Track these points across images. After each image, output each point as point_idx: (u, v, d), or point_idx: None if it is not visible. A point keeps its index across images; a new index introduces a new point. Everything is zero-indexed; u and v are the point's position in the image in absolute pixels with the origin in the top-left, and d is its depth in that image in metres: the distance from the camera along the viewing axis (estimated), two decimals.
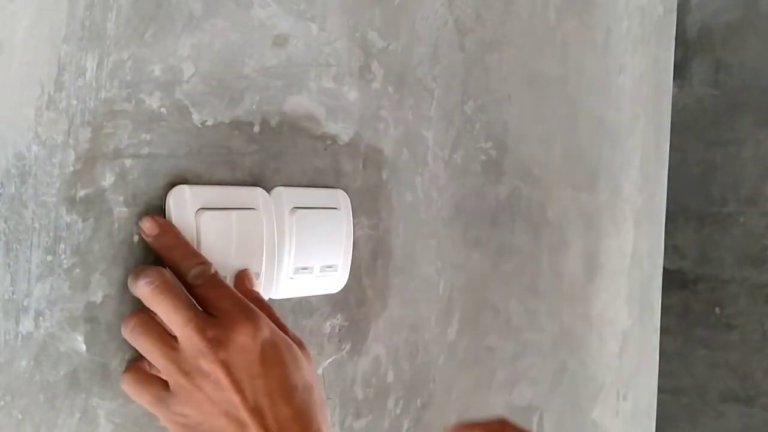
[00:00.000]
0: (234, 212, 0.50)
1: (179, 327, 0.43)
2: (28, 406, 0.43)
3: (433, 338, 0.74)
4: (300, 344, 0.49)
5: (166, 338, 0.44)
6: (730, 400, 1.59)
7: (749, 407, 1.57)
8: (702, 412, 1.63)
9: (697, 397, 1.62)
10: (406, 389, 0.71)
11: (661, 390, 1.35)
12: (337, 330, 0.63)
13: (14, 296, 0.42)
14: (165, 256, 0.46)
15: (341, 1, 0.60)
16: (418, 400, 0.73)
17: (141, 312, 0.45)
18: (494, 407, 0.85)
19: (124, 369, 0.47)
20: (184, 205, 0.48)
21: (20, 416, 0.43)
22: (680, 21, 1.44)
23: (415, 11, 0.68)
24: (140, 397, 0.45)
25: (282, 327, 0.49)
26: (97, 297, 0.46)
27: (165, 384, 0.44)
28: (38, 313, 0.43)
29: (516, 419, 0.89)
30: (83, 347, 0.45)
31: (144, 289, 0.44)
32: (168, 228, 0.47)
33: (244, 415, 0.42)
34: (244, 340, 0.43)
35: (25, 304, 0.42)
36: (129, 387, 0.46)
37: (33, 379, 0.43)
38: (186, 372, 0.42)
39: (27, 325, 0.43)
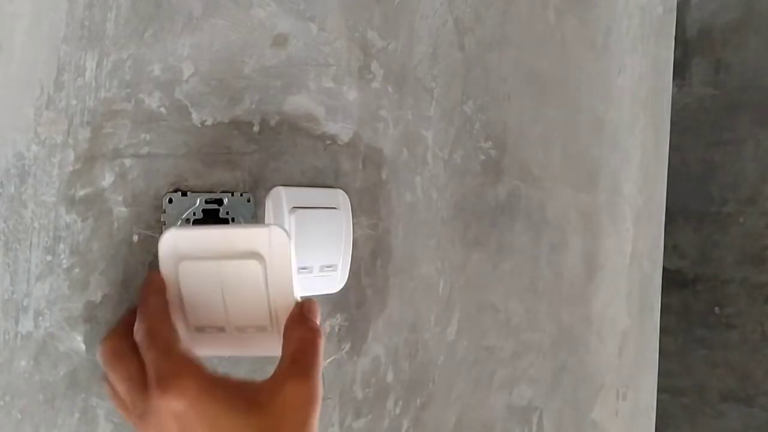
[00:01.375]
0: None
1: (122, 394, 0.43)
2: (28, 406, 0.43)
3: (433, 338, 0.74)
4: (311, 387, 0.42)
5: (124, 405, 0.43)
6: (730, 400, 1.59)
7: (749, 407, 1.57)
8: (702, 411, 1.63)
9: (696, 397, 1.62)
10: (405, 389, 0.71)
11: (660, 390, 1.35)
12: (336, 330, 0.63)
13: (14, 296, 0.42)
14: None
15: (341, 1, 0.60)
16: (418, 400, 0.73)
17: (108, 382, 0.44)
18: (494, 407, 0.85)
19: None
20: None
21: (20, 416, 0.43)
22: (680, 21, 1.44)
23: (414, 11, 0.68)
24: None
25: (304, 362, 0.43)
26: (97, 297, 0.46)
27: None
28: (38, 313, 0.43)
29: (516, 419, 0.89)
30: (83, 347, 0.45)
31: (100, 359, 0.44)
32: (145, 282, 0.45)
33: None
34: (159, 416, 0.39)
35: (24, 303, 0.42)
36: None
37: (32, 379, 0.43)
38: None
39: (26, 324, 0.43)
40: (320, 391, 0.42)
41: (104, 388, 0.46)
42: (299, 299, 0.46)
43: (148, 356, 0.41)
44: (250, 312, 0.45)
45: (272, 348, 0.45)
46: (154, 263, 0.47)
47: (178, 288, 0.44)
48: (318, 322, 0.45)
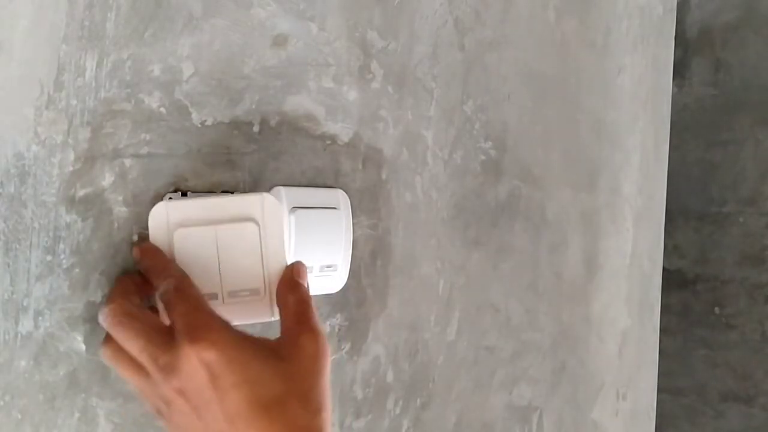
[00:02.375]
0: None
1: (136, 356, 0.42)
2: (28, 406, 0.43)
3: (433, 338, 0.74)
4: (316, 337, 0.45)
5: (136, 368, 0.42)
6: (730, 400, 1.59)
7: (749, 407, 1.57)
8: (702, 411, 1.63)
9: (696, 397, 1.62)
10: (405, 389, 0.71)
11: (661, 390, 1.35)
12: (336, 330, 0.63)
13: (14, 296, 0.42)
14: (148, 277, 0.45)
15: (341, 1, 0.60)
16: (418, 400, 0.73)
17: (110, 341, 0.43)
18: (494, 407, 0.85)
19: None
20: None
21: (20, 416, 0.43)
22: (680, 21, 1.44)
23: (414, 11, 0.68)
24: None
25: (304, 318, 0.45)
26: (97, 297, 0.46)
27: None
28: (38, 313, 0.43)
29: (516, 419, 0.89)
30: (83, 347, 0.45)
31: (104, 321, 0.43)
32: (146, 251, 0.45)
33: None
34: (189, 365, 0.40)
35: (24, 303, 0.42)
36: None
37: (32, 379, 0.43)
38: (159, 397, 0.42)
39: (26, 324, 0.43)
40: (327, 343, 0.45)
41: (105, 388, 0.46)
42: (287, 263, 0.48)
43: (177, 310, 0.42)
44: (245, 276, 0.47)
45: (264, 313, 0.48)
46: None
47: (171, 256, 0.46)
48: (306, 284, 0.47)
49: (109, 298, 0.44)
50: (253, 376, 0.41)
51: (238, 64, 0.52)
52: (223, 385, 0.40)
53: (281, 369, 0.42)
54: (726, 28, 1.58)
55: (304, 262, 0.53)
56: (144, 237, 0.48)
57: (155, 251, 0.45)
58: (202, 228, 0.46)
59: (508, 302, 0.86)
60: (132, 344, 0.41)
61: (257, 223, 0.47)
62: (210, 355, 0.40)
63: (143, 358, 0.41)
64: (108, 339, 0.43)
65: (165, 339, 0.41)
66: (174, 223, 0.45)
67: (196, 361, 0.40)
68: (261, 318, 0.48)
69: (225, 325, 0.42)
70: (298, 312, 0.45)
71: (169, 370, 0.40)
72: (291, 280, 0.47)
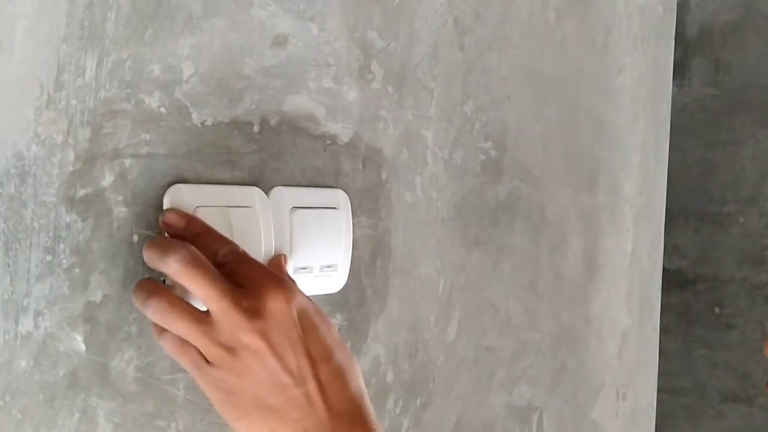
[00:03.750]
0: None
1: (214, 301, 0.42)
2: (28, 406, 0.43)
3: (433, 338, 0.74)
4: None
5: (200, 316, 0.43)
6: (730, 400, 1.59)
7: (749, 407, 1.57)
8: (702, 411, 1.63)
9: (697, 397, 1.62)
10: (405, 389, 0.71)
11: (661, 390, 1.35)
12: (336, 330, 0.63)
13: (14, 296, 0.42)
14: (194, 242, 0.46)
15: (341, 1, 0.60)
16: (418, 400, 0.73)
17: (166, 292, 0.44)
18: (494, 407, 0.85)
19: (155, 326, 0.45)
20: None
21: (20, 416, 0.43)
22: (680, 21, 1.44)
23: (414, 11, 0.68)
24: (179, 359, 0.44)
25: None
26: (97, 297, 0.46)
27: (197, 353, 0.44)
28: (38, 313, 0.43)
29: (516, 419, 0.89)
30: (82, 347, 0.45)
31: (175, 266, 0.43)
32: (192, 218, 0.48)
33: (286, 379, 0.43)
34: (279, 307, 0.43)
35: (24, 303, 0.42)
36: (168, 347, 0.45)
37: (32, 379, 0.43)
38: (225, 345, 0.42)
39: (26, 324, 0.43)
40: None
41: (105, 388, 0.46)
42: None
43: (250, 266, 0.46)
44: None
45: None
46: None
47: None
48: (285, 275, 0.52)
49: (178, 245, 0.44)
50: (323, 322, 0.46)
51: (238, 64, 0.52)
52: (306, 326, 0.45)
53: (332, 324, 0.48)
54: (726, 28, 1.58)
55: (303, 261, 0.55)
56: (144, 237, 0.48)
57: (196, 219, 0.48)
58: (219, 209, 0.49)
59: (508, 302, 0.86)
60: (212, 288, 0.42)
61: (257, 210, 0.52)
62: (298, 300, 0.45)
63: (223, 302, 0.42)
64: (158, 292, 0.44)
65: (238, 287, 0.44)
66: (191, 203, 0.48)
67: (285, 304, 0.44)
68: None
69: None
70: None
71: (254, 312, 0.43)
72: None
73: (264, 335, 0.43)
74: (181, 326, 0.43)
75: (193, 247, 0.44)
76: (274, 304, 0.43)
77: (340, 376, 0.45)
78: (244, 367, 0.42)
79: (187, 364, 0.44)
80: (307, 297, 0.47)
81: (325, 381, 0.44)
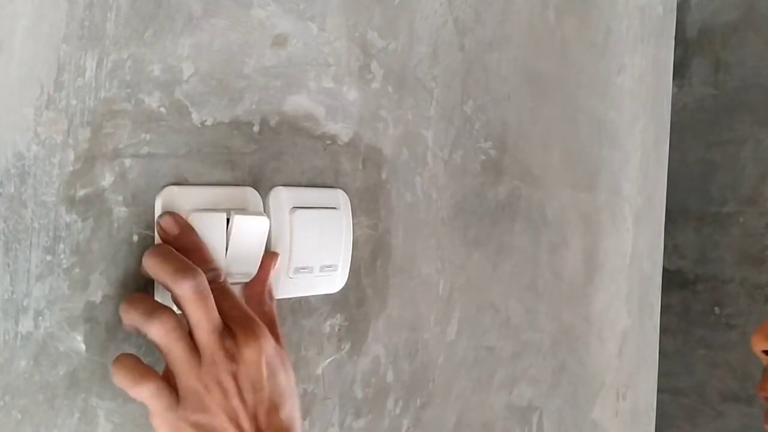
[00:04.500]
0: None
1: (205, 332, 0.45)
2: (28, 406, 0.43)
3: (433, 338, 0.74)
4: (283, 346, 0.51)
5: (194, 346, 0.45)
6: (730, 400, 1.59)
7: (749, 407, 1.57)
8: (702, 411, 1.63)
9: (696, 397, 1.62)
10: (405, 389, 0.71)
11: (660, 390, 1.35)
12: (336, 330, 0.63)
13: (14, 296, 0.42)
14: (182, 254, 0.46)
15: (341, 1, 0.60)
16: (418, 400, 0.73)
17: (171, 312, 0.45)
18: (494, 407, 0.85)
19: (117, 364, 0.45)
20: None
21: (19, 416, 0.43)
22: (680, 21, 1.44)
23: (414, 11, 0.68)
24: (152, 400, 0.45)
25: (276, 333, 0.51)
26: (97, 297, 0.46)
27: (170, 388, 0.44)
28: (38, 313, 0.43)
29: (516, 419, 0.89)
30: (82, 347, 0.45)
31: (188, 291, 0.44)
32: (188, 229, 0.47)
33: (245, 423, 0.45)
34: (251, 356, 0.46)
35: (24, 303, 0.42)
36: (132, 385, 0.45)
37: (32, 379, 0.43)
38: (202, 379, 0.44)
39: (26, 324, 0.43)
40: None
41: (105, 388, 0.46)
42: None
43: (229, 302, 0.47)
44: (244, 260, 0.51)
45: None
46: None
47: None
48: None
49: (189, 270, 0.45)
50: (284, 370, 0.49)
51: (238, 64, 0.52)
52: (270, 375, 0.47)
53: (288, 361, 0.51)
54: (726, 28, 1.58)
55: (303, 261, 0.55)
56: (144, 237, 0.48)
57: (195, 233, 0.48)
58: (214, 213, 0.49)
59: (508, 302, 0.86)
60: (209, 321, 0.45)
61: (251, 212, 0.52)
62: (268, 350, 0.47)
63: (213, 336, 0.45)
64: (170, 314, 0.44)
65: (221, 324, 0.46)
66: (185, 206, 0.48)
67: (257, 354, 0.46)
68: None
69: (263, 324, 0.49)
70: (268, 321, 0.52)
71: (231, 354, 0.45)
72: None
73: (235, 378, 0.45)
74: (178, 349, 0.44)
75: (198, 279, 0.45)
76: (248, 352, 0.46)
77: (289, 426, 0.48)
78: (212, 404, 0.44)
79: (159, 405, 0.44)
80: (274, 341, 0.49)
81: (276, 429, 0.47)
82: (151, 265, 0.45)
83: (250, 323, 0.47)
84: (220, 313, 0.46)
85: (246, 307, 0.48)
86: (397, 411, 0.71)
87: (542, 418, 0.95)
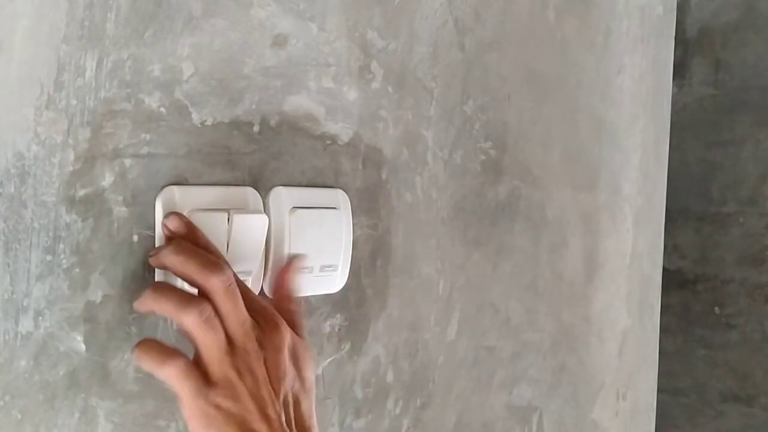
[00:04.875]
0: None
1: (238, 324, 0.46)
2: (28, 406, 0.43)
3: (433, 338, 0.74)
4: (305, 343, 0.53)
5: (225, 334, 0.46)
6: (730, 400, 1.59)
7: (749, 407, 1.57)
8: (702, 411, 1.63)
9: (696, 397, 1.62)
10: (405, 389, 0.71)
11: (660, 390, 1.35)
12: (336, 330, 0.63)
13: (14, 296, 0.42)
14: (189, 256, 0.46)
15: (341, 1, 0.60)
16: (418, 400, 0.73)
17: (211, 305, 0.45)
18: (494, 407, 0.85)
19: (142, 345, 0.45)
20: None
21: (20, 416, 0.43)
22: (680, 21, 1.44)
23: (414, 11, 0.68)
24: (182, 382, 0.44)
25: (299, 330, 0.53)
26: (97, 297, 0.46)
27: (200, 370, 0.45)
28: (38, 313, 0.43)
29: (516, 419, 0.89)
30: (82, 347, 0.45)
31: (219, 285, 0.45)
32: (195, 229, 0.48)
33: (271, 410, 0.46)
34: (277, 344, 0.48)
35: (24, 303, 0.42)
36: (178, 370, 0.44)
37: (32, 379, 0.43)
38: (236, 366, 0.45)
39: (26, 324, 0.43)
40: None
41: (105, 388, 0.46)
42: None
43: (248, 297, 0.48)
44: (245, 258, 0.51)
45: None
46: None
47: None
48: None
49: (217, 262, 0.46)
50: (307, 360, 0.51)
51: (238, 64, 0.52)
52: (295, 364, 0.49)
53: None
54: (726, 28, 1.58)
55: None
56: (144, 237, 0.48)
57: (198, 230, 0.48)
58: (214, 213, 0.49)
59: (508, 302, 0.86)
60: (240, 313, 0.46)
61: (251, 211, 0.52)
62: (290, 339, 0.49)
63: (245, 327, 0.46)
64: (205, 303, 0.45)
65: (249, 316, 0.47)
66: (184, 206, 0.48)
67: (282, 342, 0.48)
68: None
69: None
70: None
71: (261, 343, 0.47)
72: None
73: (266, 365, 0.47)
74: (212, 335, 0.45)
75: (230, 275, 0.46)
76: (274, 341, 0.48)
77: (312, 413, 0.50)
78: (243, 391, 0.45)
79: (189, 387, 0.44)
80: (295, 334, 0.51)
81: (300, 416, 0.49)
82: (176, 263, 0.46)
83: (272, 315, 0.49)
84: (251, 310, 0.47)
85: (263, 300, 0.50)
86: (397, 411, 0.71)
87: (542, 418, 0.95)
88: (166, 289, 0.46)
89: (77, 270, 0.45)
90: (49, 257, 0.43)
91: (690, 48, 1.62)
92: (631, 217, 1.15)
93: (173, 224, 0.47)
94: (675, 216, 1.59)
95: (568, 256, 0.97)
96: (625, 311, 1.16)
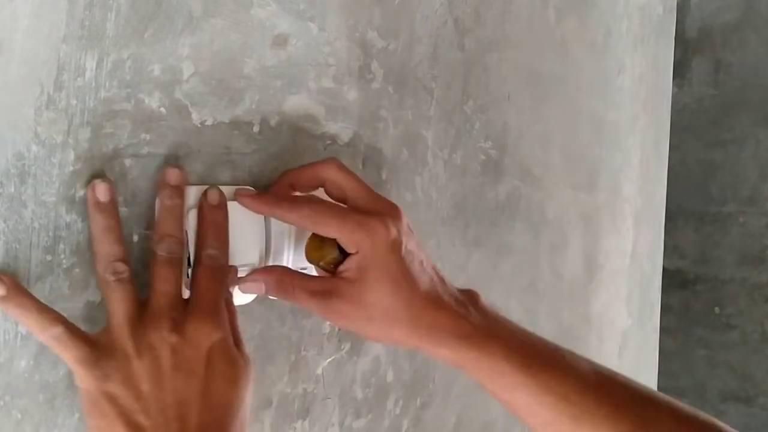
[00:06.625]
0: None
1: (162, 295, 0.44)
2: (28, 406, 0.43)
3: None
4: (247, 361, 0.47)
5: (141, 307, 0.44)
6: (730, 400, 1.59)
7: (749, 407, 1.57)
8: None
9: (697, 397, 1.62)
10: (405, 389, 0.71)
11: (660, 390, 1.35)
12: (336, 330, 0.63)
13: None
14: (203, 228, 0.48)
15: (341, 1, 0.60)
16: (418, 400, 0.73)
17: (127, 264, 0.44)
18: (494, 407, 0.85)
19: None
20: None
21: (20, 416, 0.43)
22: (680, 21, 1.44)
23: (414, 11, 0.68)
24: (60, 350, 0.41)
25: (238, 338, 0.48)
26: (97, 297, 0.46)
27: (89, 340, 0.41)
28: None
29: (516, 419, 0.89)
30: None
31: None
32: (225, 207, 0.49)
33: (141, 418, 0.41)
34: (198, 337, 0.43)
35: None
36: (40, 330, 0.40)
37: (32, 379, 0.43)
38: (135, 338, 0.42)
39: None
40: None
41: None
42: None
43: (225, 297, 0.48)
44: (244, 252, 0.52)
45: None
46: (147, 255, 0.47)
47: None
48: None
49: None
50: (229, 376, 0.45)
51: (238, 64, 0.52)
52: (211, 369, 0.44)
53: (244, 376, 0.47)
54: (726, 28, 1.58)
55: (303, 261, 0.55)
56: (144, 237, 0.48)
57: (225, 209, 0.49)
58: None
59: (508, 302, 0.86)
60: (167, 283, 0.45)
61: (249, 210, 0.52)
62: (216, 337, 0.44)
63: (163, 299, 0.44)
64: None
65: (180, 297, 0.45)
66: (185, 206, 0.48)
67: (204, 337, 0.44)
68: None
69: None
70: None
71: (175, 326, 0.43)
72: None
73: (172, 350, 0.42)
74: (120, 296, 0.43)
75: (177, 245, 0.46)
76: (195, 332, 0.44)
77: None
78: (136, 371, 0.41)
79: (70, 357, 0.40)
80: (231, 340, 0.46)
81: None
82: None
83: (215, 309, 0.45)
84: (198, 293, 0.45)
85: (224, 302, 0.46)
86: (397, 411, 0.71)
87: None
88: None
89: (77, 270, 0.45)
90: (49, 257, 0.43)
91: (690, 48, 1.62)
92: (631, 217, 1.15)
93: (213, 197, 0.49)
94: (675, 216, 1.59)
95: (568, 256, 0.97)
96: (625, 311, 1.16)
